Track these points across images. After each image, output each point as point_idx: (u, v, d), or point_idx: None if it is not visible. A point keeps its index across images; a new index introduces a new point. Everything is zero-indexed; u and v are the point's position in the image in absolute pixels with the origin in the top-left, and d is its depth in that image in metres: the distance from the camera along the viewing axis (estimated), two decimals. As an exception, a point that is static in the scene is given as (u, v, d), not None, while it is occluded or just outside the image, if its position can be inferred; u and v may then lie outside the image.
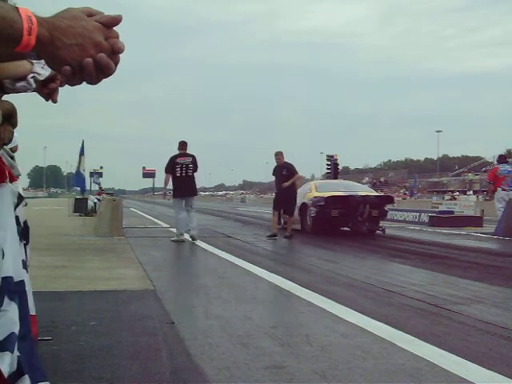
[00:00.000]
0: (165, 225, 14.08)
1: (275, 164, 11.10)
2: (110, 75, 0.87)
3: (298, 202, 12.74)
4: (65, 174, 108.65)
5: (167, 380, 2.53)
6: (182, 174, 9.41)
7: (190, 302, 4.59)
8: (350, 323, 3.62)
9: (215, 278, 5.84)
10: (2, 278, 0.85)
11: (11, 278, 0.89)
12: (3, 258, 0.87)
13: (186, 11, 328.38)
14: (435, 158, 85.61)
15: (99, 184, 27.65)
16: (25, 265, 2.33)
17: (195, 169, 9.63)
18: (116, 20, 0.87)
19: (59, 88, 1.28)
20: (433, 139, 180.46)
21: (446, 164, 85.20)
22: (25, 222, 2.43)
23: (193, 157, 9.70)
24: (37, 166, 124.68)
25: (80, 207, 19.18)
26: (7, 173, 1.06)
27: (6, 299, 0.87)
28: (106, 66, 0.84)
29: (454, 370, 2.64)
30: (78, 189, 16.83)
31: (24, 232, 2.39)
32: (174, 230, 9.92)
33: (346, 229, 12.01)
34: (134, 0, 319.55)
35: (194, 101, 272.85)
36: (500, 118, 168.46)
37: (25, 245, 2.38)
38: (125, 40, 0.90)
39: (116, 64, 0.86)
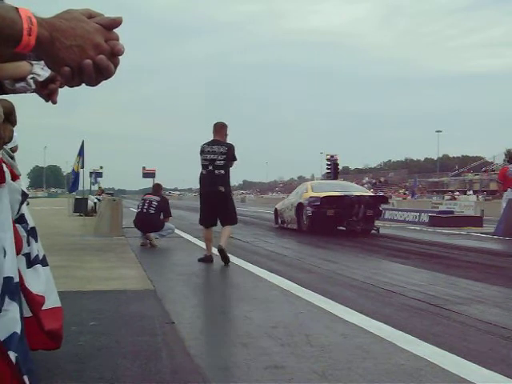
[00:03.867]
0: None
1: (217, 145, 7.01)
2: (110, 77, 0.87)
3: (295, 202, 12.81)
4: (65, 173, 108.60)
5: (167, 380, 2.53)
6: (142, 209, 9.34)
7: (190, 302, 4.58)
8: (349, 323, 3.62)
9: (215, 277, 5.84)
10: (4, 278, 0.85)
11: (12, 278, 0.90)
12: (4, 258, 0.87)
13: (186, 11, 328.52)
14: (435, 158, 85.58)
15: (98, 183, 27.67)
16: (44, 259, 2.35)
17: (159, 209, 9.35)
18: (116, 22, 0.87)
19: (59, 89, 1.28)
20: (433, 139, 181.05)
21: (446, 164, 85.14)
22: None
23: (163, 199, 9.65)
24: (37, 166, 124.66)
25: (80, 207, 19.20)
26: (9, 173, 1.06)
27: (7, 299, 0.87)
28: (106, 68, 0.84)
29: (453, 370, 2.64)
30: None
31: (33, 230, 2.40)
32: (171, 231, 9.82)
33: (341, 228, 12.07)
34: (135, 0, 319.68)
35: (194, 101, 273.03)
36: (500, 118, 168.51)
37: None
38: (125, 40, 0.90)
39: (116, 66, 0.86)
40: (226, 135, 7.14)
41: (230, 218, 7.03)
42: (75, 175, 16.18)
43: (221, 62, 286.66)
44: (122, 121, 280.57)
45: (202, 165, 7.04)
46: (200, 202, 7.29)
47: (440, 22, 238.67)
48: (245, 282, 5.58)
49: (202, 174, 7.09)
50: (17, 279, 0.94)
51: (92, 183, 26.60)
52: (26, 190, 2.20)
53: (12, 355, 0.82)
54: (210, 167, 6.92)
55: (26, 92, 1.29)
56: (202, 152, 7.01)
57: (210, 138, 7.10)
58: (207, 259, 6.86)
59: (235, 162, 7.15)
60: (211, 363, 2.82)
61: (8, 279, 0.87)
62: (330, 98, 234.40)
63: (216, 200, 6.94)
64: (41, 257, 2.37)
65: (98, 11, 0.88)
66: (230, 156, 6.97)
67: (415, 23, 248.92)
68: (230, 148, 7.01)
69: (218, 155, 6.91)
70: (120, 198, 13.85)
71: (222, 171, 6.91)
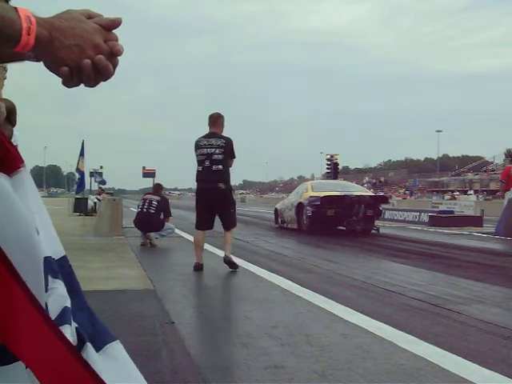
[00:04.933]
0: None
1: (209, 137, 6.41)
2: (109, 78, 0.88)
3: (295, 201, 12.81)
4: (65, 174, 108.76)
5: (167, 380, 2.53)
6: (142, 209, 9.33)
7: (189, 302, 4.59)
8: (349, 323, 3.62)
9: (215, 277, 5.84)
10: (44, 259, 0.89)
11: (50, 257, 0.93)
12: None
13: (186, 11, 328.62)
14: (435, 158, 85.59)
15: (102, 182, 27.62)
16: None
17: (159, 208, 9.33)
18: (115, 23, 0.88)
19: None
20: (433, 139, 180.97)
21: (446, 164, 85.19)
22: None
23: (163, 199, 9.63)
24: (37, 166, 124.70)
25: (80, 207, 19.19)
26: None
27: (50, 278, 0.91)
28: (105, 68, 0.85)
29: (454, 369, 2.64)
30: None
31: None
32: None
33: (341, 228, 12.07)
34: (135, 0, 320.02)
35: (194, 101, 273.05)
36: (500, 118, 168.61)
37: None
38: (125, 40, 0.90)
39: (114, 67, 0.87)
40: (222, 127, 6.46)
41: (230, 220, 6.36)
42: (82, 175, 16.16)
43: (221, 62, 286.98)
44: (122, 121, 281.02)
45: (198, 161, 6.32)
46: (196, 202, 6.53)
47: (440, 22, 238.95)
48: (245, 281, 5.58)
49: (197, 171, 6.38)
50: (59, 255, 0.98)
51: (98, 182, 26.58)
52: None
53: (67, 328, 0.87)
54: (207, 162, 6.21)
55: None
56: (198, 147, 6.33)
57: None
58: (196, 267, 6.15)
59: (234, 161, 6.43)
60: (211, 363, 2.82)
61: (47, 259, 0.90)
62: (330, 98, 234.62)
63: (214, 199, 6.22)
64: None
65: (97, 12, 0.89)
66: (228, 151, 6.28)
67: (415, 23, 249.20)
68: (229, 142, 6.30)
69: (216, 148, 6.22)
70: (120, 198, 13.85)
71: (220, 166, 6.19)
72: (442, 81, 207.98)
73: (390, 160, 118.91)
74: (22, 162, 0.95)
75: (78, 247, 8.69)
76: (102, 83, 0.88)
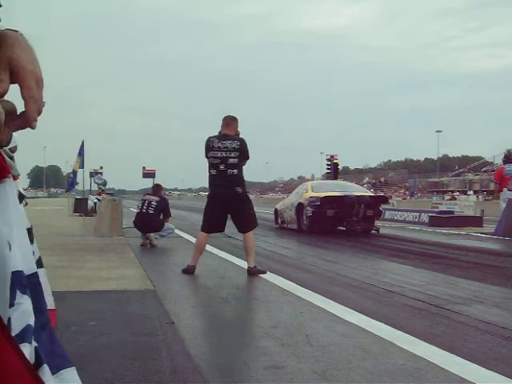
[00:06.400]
0: (165, 225, 14.06)
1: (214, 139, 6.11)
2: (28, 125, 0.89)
3: (295, 202, 12.81)
4: (65, 174, 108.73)
5: (167, 380, 2.53)
6: (142, 209, 9.28)
7: (190, 302, 4.59)
8: (349, 323, 3.62)
9: (215, 277, 5.83)
10: (12, 273, 0.86)
11: (21, 271, 0.91)
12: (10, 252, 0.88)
13: (186, 11, 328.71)
14: (435, 158, 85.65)
15: (100, 184, 27.58)
16: (40, 261, 2.34)
17: (159, 209, 9.27)
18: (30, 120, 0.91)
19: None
20: (433, 139, 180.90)
21: (445, 164, 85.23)
22: None
23: (162, 199, 9.53)
24: (37, 166, 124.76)
25: (80, 207, 19.22)
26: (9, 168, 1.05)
27: (18, 293, 0.89)
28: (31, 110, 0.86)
29: (454, 369, 2.64)
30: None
31: (29, 231, 2.40)
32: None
33: (341, 228, 12.08)
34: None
35: (193, 101, 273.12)
36: (500, 118, 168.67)
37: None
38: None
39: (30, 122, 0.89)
40: (236, 130, 6.15)
41: (249, 222, 6.13)
42: (74, 175, 16.31)
43: (220, 63, 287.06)
44: (122, 121, 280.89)
45: (211, 163, 6.00)
46: (206, 205, 6.24)
47: (440, 22, 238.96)
48: (245, 282, 5.58)
49: (210, 174, 6.05)
50: (30, 271, 0.96)
51: (97, 183, 26.53)
52: (22, 191, 2.19)
53: (27, 347, 0.84)
54: (222, 166, 5.91)
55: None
56: (211, 148, 5.98)
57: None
58: (189, 270, 5.94)
59: (247, 161, 6.17)
60: (211, 363, 2.82)
61: (17, 273, 0.88)
62: (329, 98, 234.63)
63: (231, 204, 6.00)
64: (36, 258, 2.37)
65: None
66: (243, 153, 6.00)
67: (415, 23, 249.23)
68: (243, 144, 6.01)
69: (232, 152, 5.92)
70: (120, 198, 13.85)
71: (235, 171, 5.93)
72: (443, 81, 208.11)
73: (389, 160, 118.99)
74: (9, 172, 0.94)
75: (78, 247, 8.69)
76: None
